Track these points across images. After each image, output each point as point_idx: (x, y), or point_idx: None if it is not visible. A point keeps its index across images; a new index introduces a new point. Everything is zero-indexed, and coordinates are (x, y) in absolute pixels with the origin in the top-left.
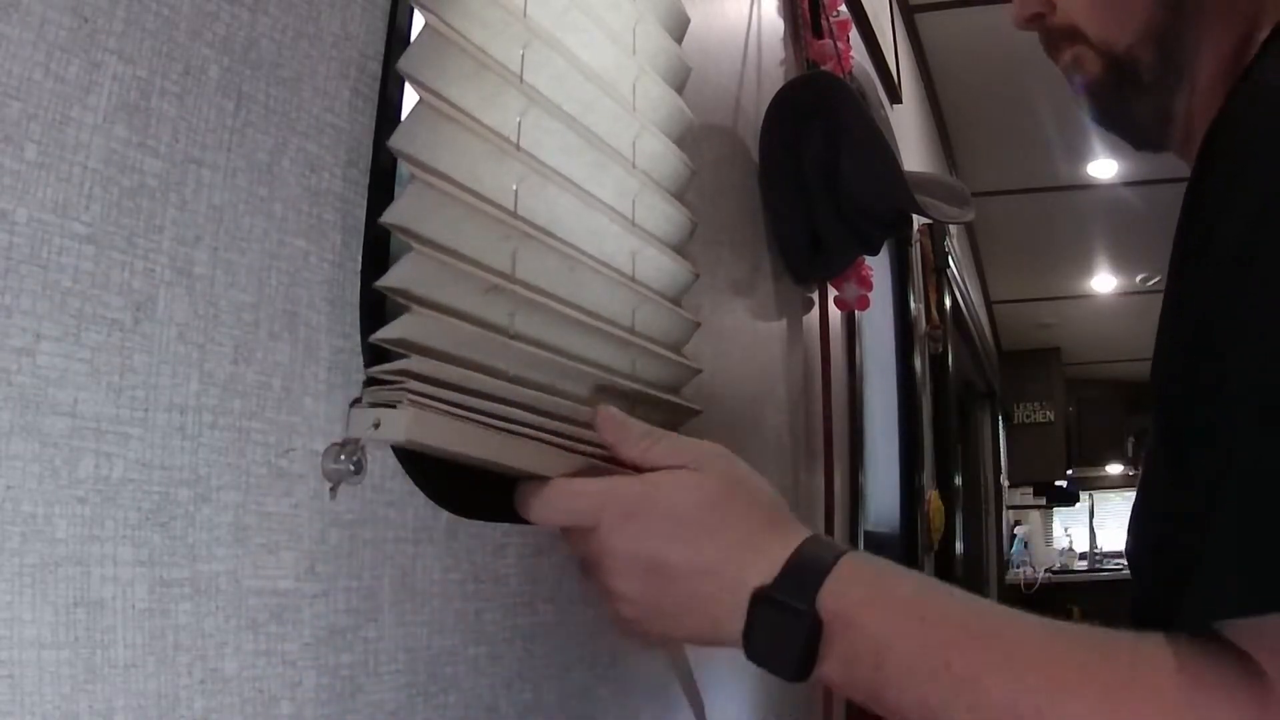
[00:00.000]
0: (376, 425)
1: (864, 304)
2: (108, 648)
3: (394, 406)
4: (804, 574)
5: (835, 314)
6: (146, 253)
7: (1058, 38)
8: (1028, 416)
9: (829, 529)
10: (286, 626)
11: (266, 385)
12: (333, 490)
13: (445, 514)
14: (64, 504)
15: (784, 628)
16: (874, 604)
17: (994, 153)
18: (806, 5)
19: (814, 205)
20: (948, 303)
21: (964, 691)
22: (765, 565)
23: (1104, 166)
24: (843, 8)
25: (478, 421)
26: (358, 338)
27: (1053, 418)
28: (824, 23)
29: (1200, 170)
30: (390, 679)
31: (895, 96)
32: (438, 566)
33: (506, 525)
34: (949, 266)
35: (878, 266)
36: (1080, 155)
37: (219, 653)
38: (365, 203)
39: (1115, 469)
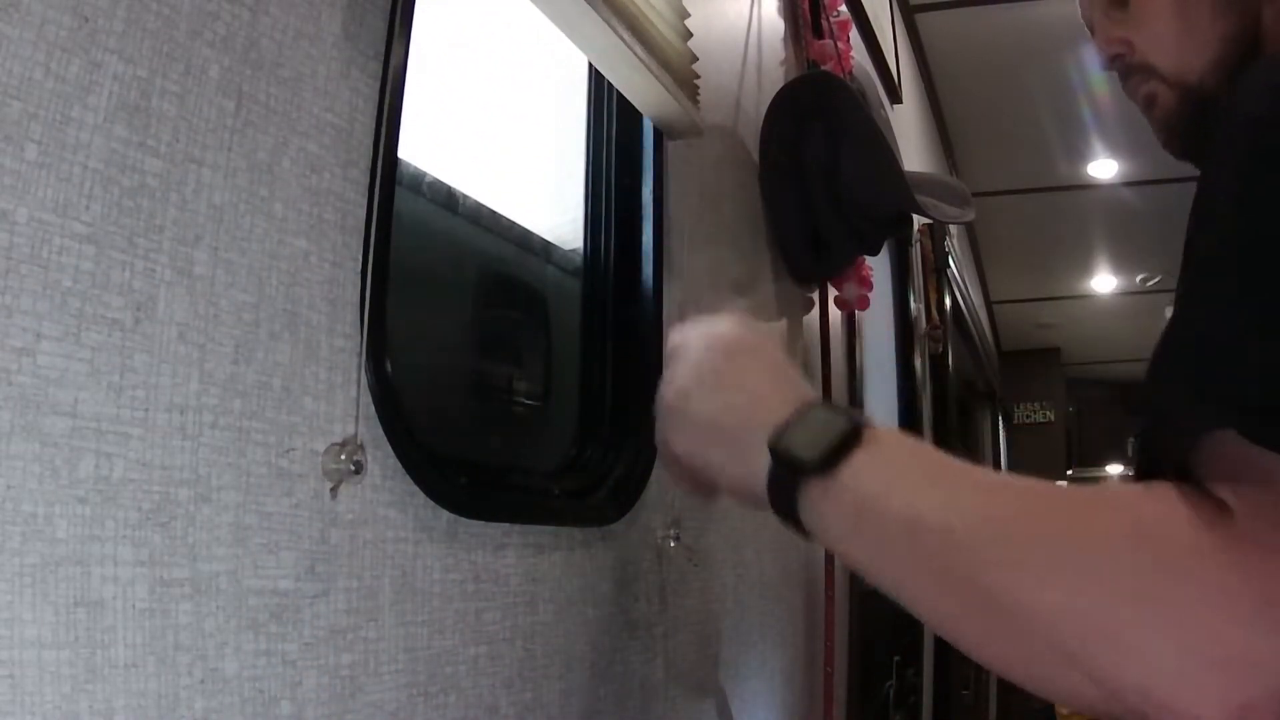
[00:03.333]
0: None
1: (864, 304)
2: (108, 648)
3: None
4: (845, 408)
5: (835, 314)
6: (146, 253)
7: (1135, 75)
8: (1028, 416)
9: None
10: (286, 626)
11: (266, 385)
12: (333, 490)
13: (445, 514)
14: (64, 504)
15: (829, 427)
16: (895, 434)
17: (994, 153)
18: (807, 5)
19: (814, 205)
20: (948, 303)
21: (962, 503)
22: (810, 396)
23: (1104, 166)
24: (843, 8)
25: None
26: (358, 338)
27: (1053, 418)
28: (824, 23)
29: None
30: (390, 679)
31: (895, 96)
32: (438, 566)
33: (506, 525)
34: (949, 266)
35: (878, 266)
36: (1080, 155)
37: (219, 653)
38: (365, 203)
39: (1115, 469)
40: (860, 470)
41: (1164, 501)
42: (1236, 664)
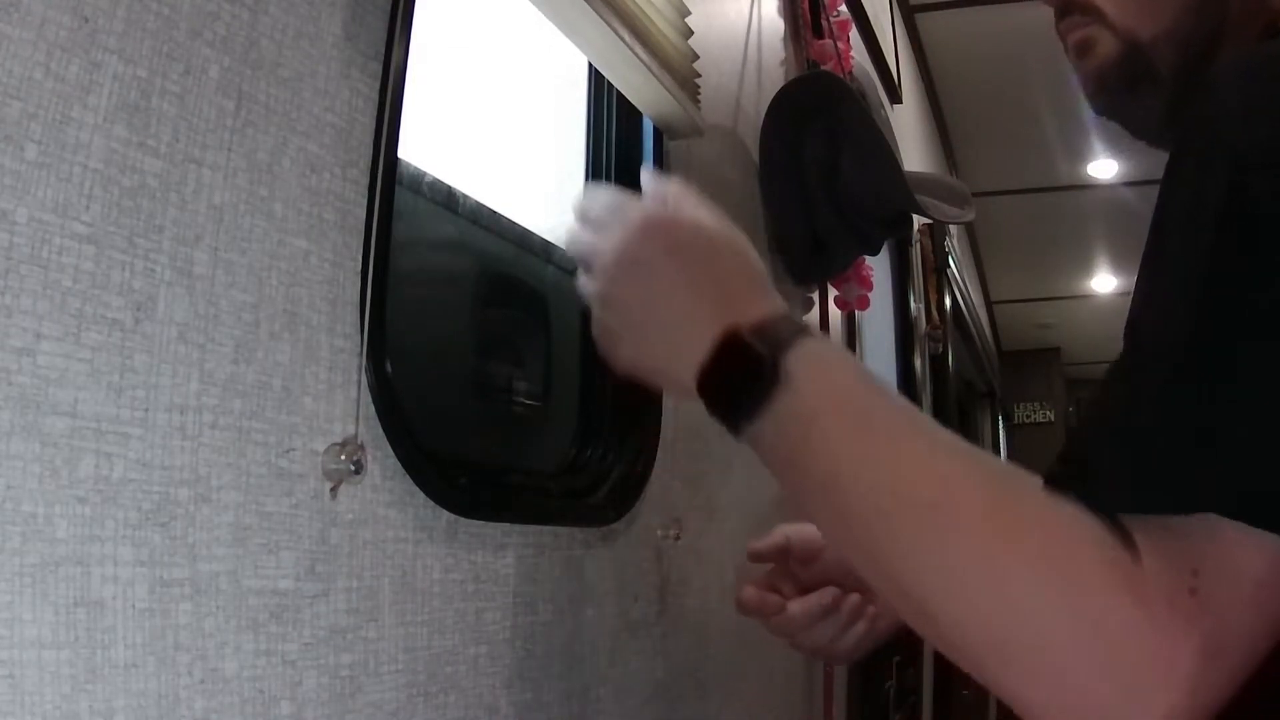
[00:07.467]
0: None
1: (864, 304)
2: (108, 648)
3: None
4: (775, 331)
5: (835, 314)
6: (146, 253)
7: (1074, 13)
8: (1028, 416)
9: None
10: (286, 626)
11: (266, 385)
12: (333, 490)
13: (445, 514)
14: (64, 504)
15: (745, 368)
16: (823, 377)
17: (994, 153)
18: (806, 5)
19: (814, 205)
20: (948, 303)
21: (871, 475)
22: (746, 313)
23: (1104, 166)
24: (843, 8)
25: None
26: (358, 338)
27: (1053, 418)
28: (824, 23)
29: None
30: (390, 679)
31: (895, 96)
32: (438, 566)
33: (506, 525)
34: (949, 266)
35: (878, 266)
36: (1080, 155)
37: (219, 653)
38: (365, 203)
39: None
40: (780, 417)
41: (1078, 528)
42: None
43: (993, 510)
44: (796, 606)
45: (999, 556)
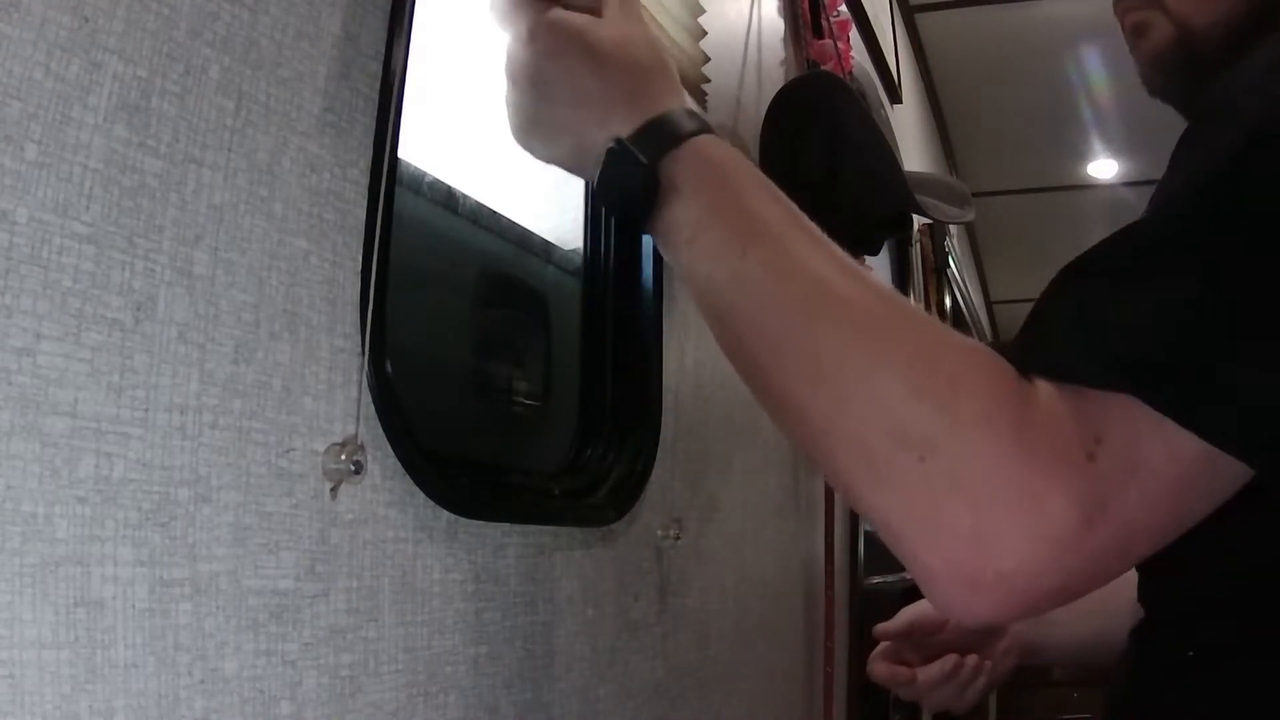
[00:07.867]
0: None
1: None
2: (108, 648)
3: None
4: (659, 135)
5: None
6: (146, 253)
7: None
8: None
9: (829, 530)
10: (286, 626)
11: (266, 385)
12: (333, 490)
13: (445, 514)
14: (64, 504)
15: (628, 178)
16: (707, 182)
17: (994, 153)
18: (806, 5)
19: (814, 205)
20: (948, 303)
21: (750, 283)
22: (632, 117)
23: (1104, 166)
24: (843, 8)
25: None
26: (358, 337)
27: None
28: (824, 22)
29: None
30: (390, 679)
31: (895, 96)
32: (438, 566)
33: (506, 525)
34: (949, 266)
35: (878, 266)
36: (1080, 155)
37: (219, 653)
38: (365, 203)
39: None
40: (665, 226)
41: (972, 356)
42: (973, 538)
43: (873, 313)
44: (923, 675)
45: (868, 356)
